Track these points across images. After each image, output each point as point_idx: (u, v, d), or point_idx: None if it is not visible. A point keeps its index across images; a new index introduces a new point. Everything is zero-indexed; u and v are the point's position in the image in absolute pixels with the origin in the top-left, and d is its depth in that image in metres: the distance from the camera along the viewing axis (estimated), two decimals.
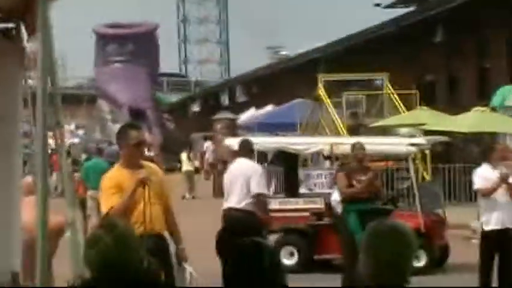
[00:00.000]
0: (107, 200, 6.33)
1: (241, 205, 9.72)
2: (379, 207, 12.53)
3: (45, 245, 3.95)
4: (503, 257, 10.00)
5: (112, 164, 8.12)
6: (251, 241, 2.98)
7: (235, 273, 2.87)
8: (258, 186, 9.68)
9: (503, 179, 9.85)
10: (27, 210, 5.04)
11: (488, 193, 10.32)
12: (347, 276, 10.10)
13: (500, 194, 10.06)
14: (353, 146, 10.95)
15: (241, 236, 3.19)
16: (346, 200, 10.64)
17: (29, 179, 5.41)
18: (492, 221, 10.07)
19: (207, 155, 34.41)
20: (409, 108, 21.71)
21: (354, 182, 10.58)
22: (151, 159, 14.70)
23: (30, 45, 4.85)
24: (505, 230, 10.01)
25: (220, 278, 3.05)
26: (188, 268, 6.46)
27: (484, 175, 10.21)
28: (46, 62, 3.89)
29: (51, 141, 4.25)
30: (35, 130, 4.76)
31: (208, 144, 34.98)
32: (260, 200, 9.68)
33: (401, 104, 22.00)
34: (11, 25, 4.81)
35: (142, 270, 3.30)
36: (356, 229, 10.21)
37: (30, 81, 5.03)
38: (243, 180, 9.85)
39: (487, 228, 10.10)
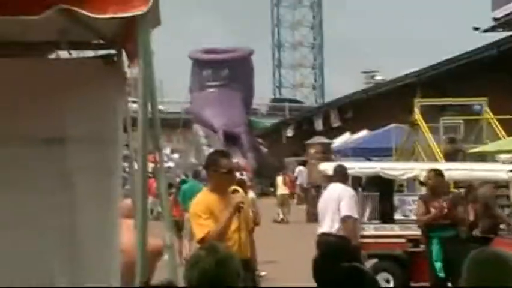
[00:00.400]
0: (201, 224, 6.41)
1: (333, 229, 9.76)
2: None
3: (145, 267, 4.00)
4: None
5: None
6: (352, 267, 2.96)
7: None
8: (346, 208, 9.74)
9: None
10: (126, 233, 5.12)
11: None
12: None
13: None
14: (427, 174, 10.87)
15: (339, 262, 3.16)
16: (425, 228, 10.54)
17: (128, 201, 5.50)
18: None
19: (299, 180, 34.39)
20: (509, 134, 21.15)
21: (432, 210, 10.44)
22: (243, 182, 14.86)
23: (131, 71, 4.95)
24: None
25: None
26: None
27: None
28: (147, 88, 3.96)
29: (149, 165, 4.32)
30: (133, 154, 4.86)
31: (300, 169, 34.97)
32: (348, 222, 9.70)
33: (501, 130, 21.46)
34: (112, 52, 4.93)
35: None
36: (436, 256, 10.07)
37: (131, 106, 5.14)
38: (335, 205, 9.92)
39: None
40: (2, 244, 4.55)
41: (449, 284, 10.06)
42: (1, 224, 4.57)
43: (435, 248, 10.15)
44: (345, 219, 9.78)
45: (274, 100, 71.12)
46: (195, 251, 3.37)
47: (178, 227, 14.40)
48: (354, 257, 3.42)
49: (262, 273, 12.28)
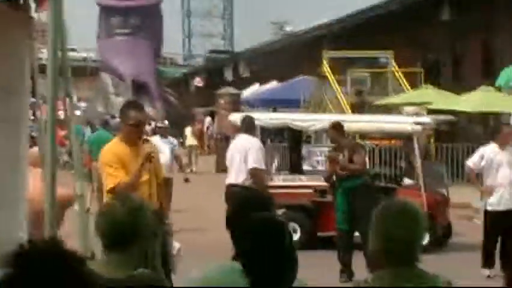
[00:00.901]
0: (112, 174, 6.36)
1: (239, 181, 9.85)
2: (381, 185, 12.55)
3: (53, 217, 3.95)
4: (506, 237, 10.02)
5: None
6: (266, 216, 2.99)
7: (255, 249, 2.88)
8: (254, 161, 9.80)
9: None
10: (34, 182, 5.03)
11: (469, 178, 10.42)
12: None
13: (503, 175, 10.06)
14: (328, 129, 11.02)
15: (252, 211, 3.19)
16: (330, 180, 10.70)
17: (35, 150, 5.39)
18: (495, 202, 10.08)
19: (208, 130, 34.42)
20: (414, 86, 21.65)
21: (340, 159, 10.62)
22: (165, 130, 14.85)
23: (39, 16, 4.80)
24: (508, 211, 10.02)
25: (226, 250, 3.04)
26: (175, 243, 6.65)
27: (484, 153, 10.24)
28: (56, 33, 3.86)
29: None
30: (39, 101, 4.74)
31: (209, 120, 34.92)
32: (256, 173, 9.79)
33: (406, 83, 21.93)
34: None
35: (153, 243, 3.33)
36: (339, 206, 10.27)
37: (38, 52, 5.00)
38: (242, 156, 9.98)
39: (490, 208, 10.12)
40: None
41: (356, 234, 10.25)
42: None
43: (339, 199, 10.30)
44: (252, 171, 9.86)
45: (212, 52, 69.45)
46: (107, 201, 3.35)
47: (90, 176, 14.29)
48: (266, 207, 3.43)
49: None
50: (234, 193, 9.60)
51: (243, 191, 9.37)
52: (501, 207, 10.06)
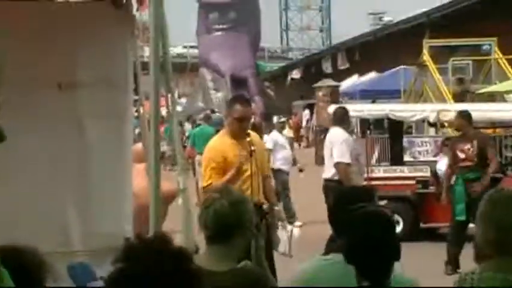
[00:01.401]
0: (207, 174, 6.42)
1: (329, 175, 9.77)
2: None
3: (158, 211, 4.02)
4: None
5: (218, 131, 8.22)
6: (368, 209, 2.97)
7: (362, 241, 2.87)
8: (337, 155, 9.72)
9: None
10: (138, 177, 5.14)
11: None
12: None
13: None
14: (455, 116, 10.68)
15: (353, 204, 3.17)
16: (450, 170, 10.45)
17: (139, 146, 5.50)
18: None
19: (308, 123, 34.39)
20: None
21: (458, 152, 10.33)
22: (258, 126, 14.90)
23: (140, 14, 4.89)
24: None
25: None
26: (289, 227, 6.65)
27: None
28: (157, 31, 3.92)
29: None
30: (142, 98, 4.84)
31: (306, 112, 34.85)
32: (339, 168, 9.68)
33: (511, 70, 21.30)
34: None
35: (256, 236, 3.37)
36: (459, 198, 10.04)
37: (140, 49, 5.10)
38: (329, 150, 9.93)
39: None
40: (17, 188, 4.56)
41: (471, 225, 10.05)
42: (15, 168, 4.58)
43: (459, 189, 10.08)
44: (335, 165, 9.77)
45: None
46: (209, 195, 3.42)
47: (194, 170, 14.63)
48: (367, 200, 3.40)
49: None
50: (330, 188, 9.56)
51: (340, 186, 9.32)
52: None
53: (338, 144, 9.86)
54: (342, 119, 10.38)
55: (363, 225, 2.92)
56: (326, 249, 3.44)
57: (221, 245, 3.29)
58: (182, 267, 2.01)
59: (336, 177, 9.72)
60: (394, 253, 2.90)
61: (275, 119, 17.19)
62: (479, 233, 2.97)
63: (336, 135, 10.09)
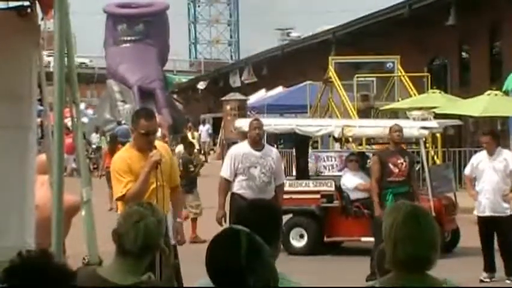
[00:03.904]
0: (121, 182, 6.40)
1: (233, 189, 9.61)
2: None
3: (60, 223, 3.96)
4: (499, 239, 10.12)
5: (124, 143, 8.17)
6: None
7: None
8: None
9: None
10: (42, 189, 5.05)
11: (467, 187, 10.46)
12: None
13: (488, 181, 10.08)
14: (390, 128, 10.79)
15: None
16: (378, 184, 10.44)
17: (43, 157, 5.41)
18: (481, 208, 10.15)
19: (203, 137, 34.82)
20: (420, 91, 21.63)
21: (390, 165, 10.48)
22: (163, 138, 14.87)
23: (45, 24, 4.83)
24: (494, 217, 10.07)
25: None
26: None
27: (474, 160, 10.33)
28: (63, 41, 3.88)
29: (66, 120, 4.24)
30: (47, 108, 4.77)
31: (207, 127, 35.12)
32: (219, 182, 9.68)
33: (413, 87, 21.92)
34: (26, 3, 4.79)
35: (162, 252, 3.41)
36: None
37: (45, 59, 5.02)
38: None
39: (480, 214, 10.18)
40: None
41: None
42: None
43: (390, 204, 10.15)
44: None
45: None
46: (134, 208, 3.38)
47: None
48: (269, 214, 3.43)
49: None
50: (232, 200, 9.59)
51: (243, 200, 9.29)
52: (487, 213, 10.12)
53: (225, 159, 9.90)
54: (243, 133, 10.45)
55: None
56: None
57: (133, 260, 3.28)
58: (65, 285, 2.01)
59: (239, 191, 9.56)
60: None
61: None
62: (381, 248, 3.04)
63: (231, 149, 10.13)
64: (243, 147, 9.73)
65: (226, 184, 9.49)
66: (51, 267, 2.01)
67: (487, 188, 10.11)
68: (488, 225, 10.11)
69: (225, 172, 9.53)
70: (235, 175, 9.43)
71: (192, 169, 14.29)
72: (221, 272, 2.63)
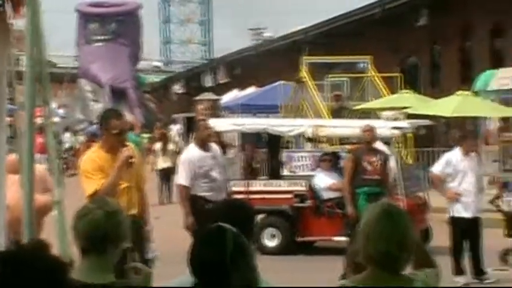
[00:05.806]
0: (91, 182, 6.35)
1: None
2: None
3: (32, 223, 3.93)
4: (472, 244, 10.11)
5: (93, 141, 8.12)
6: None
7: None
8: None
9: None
10: (12, 188, 5.01)
11: (433, 187, 10.46)
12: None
13: (468, 182, 10.11)
14: (362, 128, 10.84)
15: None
16: (350, 183, 10.47)
17: (12, 156, 5.36)
18: (461, 209, 10.15)
19: (175, 137, 34.80)
20: (392, 91, 21.74)
21: (364, 164, 10.51)
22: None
23: (16, 22, 4.78)
24: (474, 218, 10.10)
25: None
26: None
27: (449, 160, 10.31)
28: (34, 40, 3.85)
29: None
30: (18, 108, 4.73)
31: (178, 127, 34.97)
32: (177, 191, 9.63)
33: (384, 87, 22.02)
34: None
35: (128, 248, 3.35)
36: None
37: (16, 58, 4.97)
38: None
39: (457, 215, 10.19)
40: None
41: None
42: None
43: (364, 205, 10.08)
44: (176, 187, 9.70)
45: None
46: (84, 204, 3.36)
47: None
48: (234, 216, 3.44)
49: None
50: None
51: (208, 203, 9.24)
52: (468, 214, 10.11)
53: (179, 165, 9.83)
54: (216, 133, 10.36)
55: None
56: None
57: (95, 257, 3.25)
58: (58, 276, 2.00)
59: (201, 194, 9.44)
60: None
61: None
62: (356, 246, 3.06)
63: (182, 156, 9.98)
64: (193, 151, 9.57)
65: (188, 191, 9.42)
66: (44, 258, 2.00)
67: (470, 189, 10.10)
68: (466, 226, 10.08)
69: (184, 180, 9.41)
70: (195, 179, 9.36)
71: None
72: (205, 268, 2.65)
